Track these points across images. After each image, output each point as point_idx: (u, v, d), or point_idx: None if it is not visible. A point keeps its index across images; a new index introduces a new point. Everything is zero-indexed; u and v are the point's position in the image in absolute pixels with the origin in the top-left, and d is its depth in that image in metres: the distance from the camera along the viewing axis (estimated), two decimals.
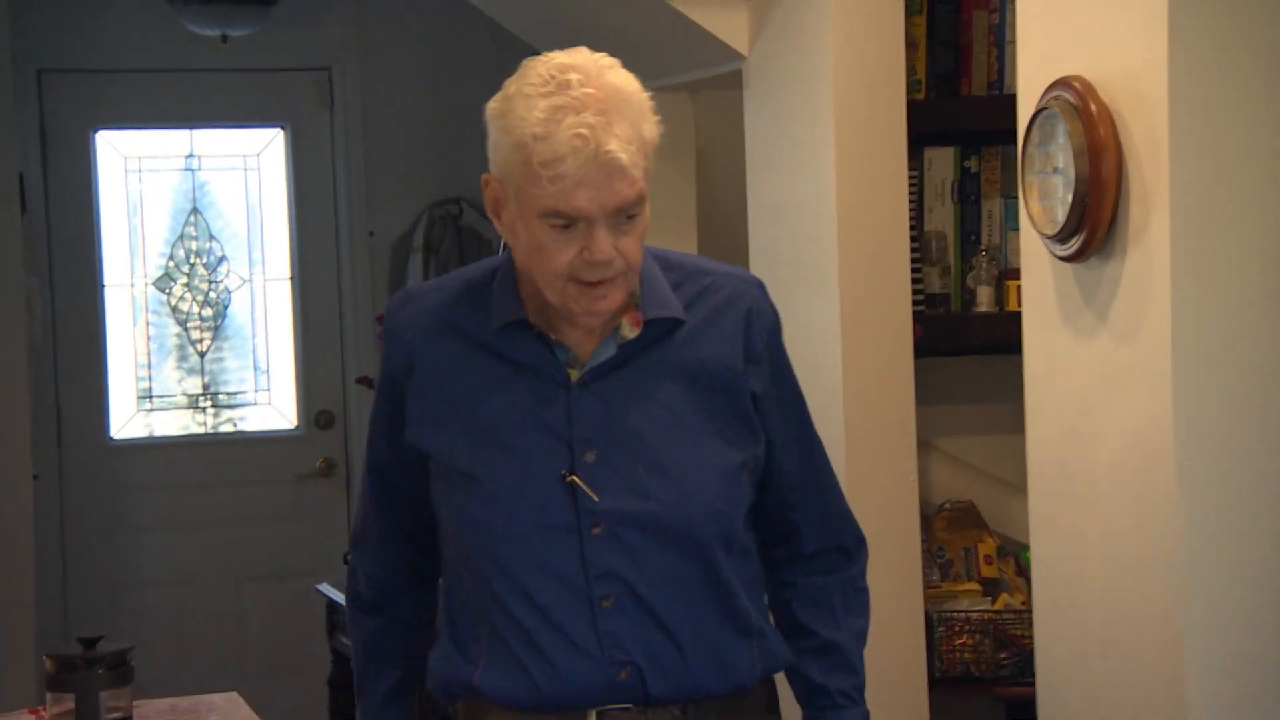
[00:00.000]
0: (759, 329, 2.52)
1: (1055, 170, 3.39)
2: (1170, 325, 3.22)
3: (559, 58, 2.33)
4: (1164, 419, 3.26)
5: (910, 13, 4.51)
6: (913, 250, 4.60)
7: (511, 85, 2.34)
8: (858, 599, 2.60)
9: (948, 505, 5.11)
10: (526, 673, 2.34)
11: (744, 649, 2.44)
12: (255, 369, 7.32)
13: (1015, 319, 4.13)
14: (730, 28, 4.78)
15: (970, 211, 4.69)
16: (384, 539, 2.57)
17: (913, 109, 4.54)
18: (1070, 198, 3.29)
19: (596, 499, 2.33)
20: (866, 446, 4.51)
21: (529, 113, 2.24)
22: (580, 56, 2.33)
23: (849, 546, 2.64)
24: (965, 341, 4.96)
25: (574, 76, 2.26)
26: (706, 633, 2.41)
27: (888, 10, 4.48)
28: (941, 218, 4.67)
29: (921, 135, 4.60)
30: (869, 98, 4.50)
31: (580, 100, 2.22)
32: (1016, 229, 3.91)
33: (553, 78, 2.26)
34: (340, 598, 5.40)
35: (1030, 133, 3.47)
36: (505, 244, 2.52)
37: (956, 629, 4.91)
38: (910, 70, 4.55)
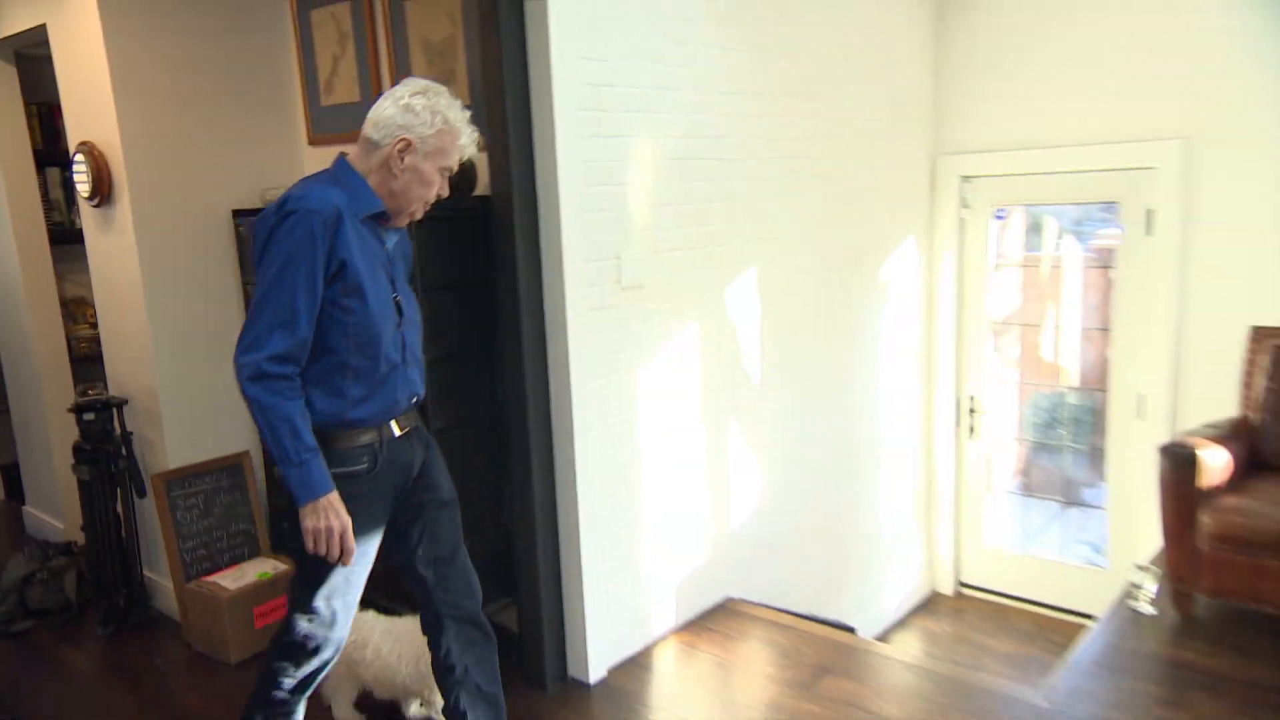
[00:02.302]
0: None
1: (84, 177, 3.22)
2: (133, 229, 3.21)
3: (435, 83, 2.00)
4: (135, 270, 3.22)
5: (29, 116, 4.17)
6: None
7: (429, 93, 1.96)
8: None
9: None
10: (382, 402, 1.99)
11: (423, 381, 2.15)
12: None
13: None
14: None
15: (67, 198, 4.39)
16: (306, 348, 1.90)
17: (36, 154, 4.18)
18: (90, 185, 3.25)
19: (404, 310, 2.04)
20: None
21: (451, 114, 1.96)
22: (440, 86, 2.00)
23: None
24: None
25: (450, 95, 1.99)
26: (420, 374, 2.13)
27: (16, 116, 4.00)
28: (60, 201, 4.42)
29: (40, 162, 4.27)
30: (17, 151, 4.02)
31: (464, 114, 1.99)
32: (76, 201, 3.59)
33: (449, 96, 1.98)
34: None
35: (74, 163, 3.32)
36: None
37: None
38: (33, 134, 4.24)
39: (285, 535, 3.20)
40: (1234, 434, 3.24)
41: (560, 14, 2.54)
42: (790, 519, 3.63)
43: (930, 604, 4.54)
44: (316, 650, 2.04)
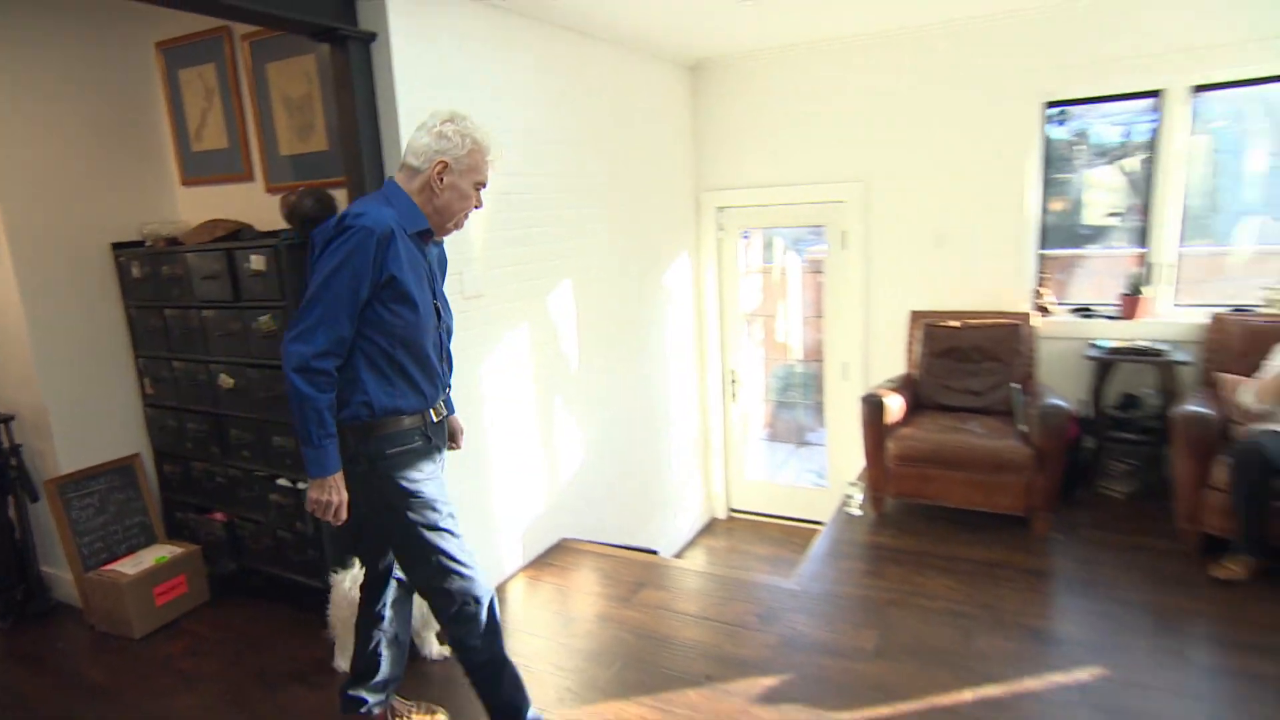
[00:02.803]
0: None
1: None
2: (10, 263, 2.82)
3: (458, 110, 1.86)
4: (15, 298, 2.85)
5: None
6: None
7: (456, 120, 1.83)
8: None
9: None
10: (423, 394, 1.86)
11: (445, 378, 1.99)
12: None
13: None
14: None
15: None
16: (345, 344, 1.74)
17: None
18: None
19: (441, 314, 1.91)
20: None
21: (480, 135, 1.85)
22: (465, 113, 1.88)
23: None
24: None
25: (473, 120, 1.86)
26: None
27: None
28: None
29: None
30: None
31: (487, 133, 1.86)
32: None
33: (472, 121, 1.85)
34: None
35: None
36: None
37: None
38: None
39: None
40: (904, 385, 3.63)
41: (404, 75, 2.51)
42: (606, 471, 3.69)
43: (710, 527, 4.69)
44: (478, 599, 1.90)
